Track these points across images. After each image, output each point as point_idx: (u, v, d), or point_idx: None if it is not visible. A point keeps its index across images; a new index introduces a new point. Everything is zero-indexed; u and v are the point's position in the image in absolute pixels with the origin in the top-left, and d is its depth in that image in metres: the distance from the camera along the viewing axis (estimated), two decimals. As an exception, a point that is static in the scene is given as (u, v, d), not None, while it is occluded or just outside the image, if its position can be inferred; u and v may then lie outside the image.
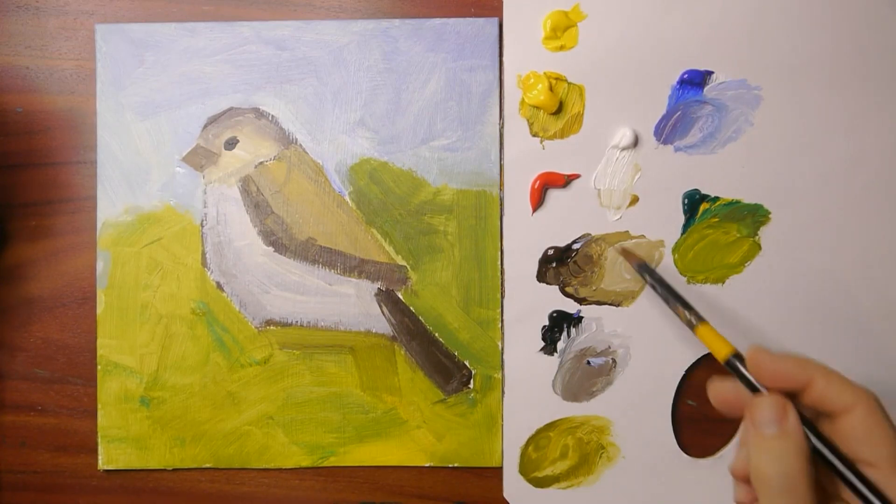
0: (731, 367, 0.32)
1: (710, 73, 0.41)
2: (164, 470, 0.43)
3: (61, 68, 0.43)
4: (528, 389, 0.43)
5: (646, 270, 0.40)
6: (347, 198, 0.43)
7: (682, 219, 0.42)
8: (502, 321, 0.43)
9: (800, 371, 0.29)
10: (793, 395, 0.29)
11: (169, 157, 0.42)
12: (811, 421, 0.29)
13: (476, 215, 0.42)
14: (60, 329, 0.43)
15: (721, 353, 0.33)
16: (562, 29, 0.41)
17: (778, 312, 0.42)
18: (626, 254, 0.42)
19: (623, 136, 0.41)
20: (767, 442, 0.28)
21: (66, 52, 0.43)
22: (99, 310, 0.42)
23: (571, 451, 0.43)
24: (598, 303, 0.43)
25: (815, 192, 0.42)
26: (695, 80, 0.41)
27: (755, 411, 0.29)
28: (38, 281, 0.43)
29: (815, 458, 0.28)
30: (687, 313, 0.36)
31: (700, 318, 0.35)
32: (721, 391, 0.32)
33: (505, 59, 0.42)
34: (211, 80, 0.42)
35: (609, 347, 0.43)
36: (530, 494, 0.43)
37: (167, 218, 0.42)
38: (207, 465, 0.43)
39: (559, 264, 0.42)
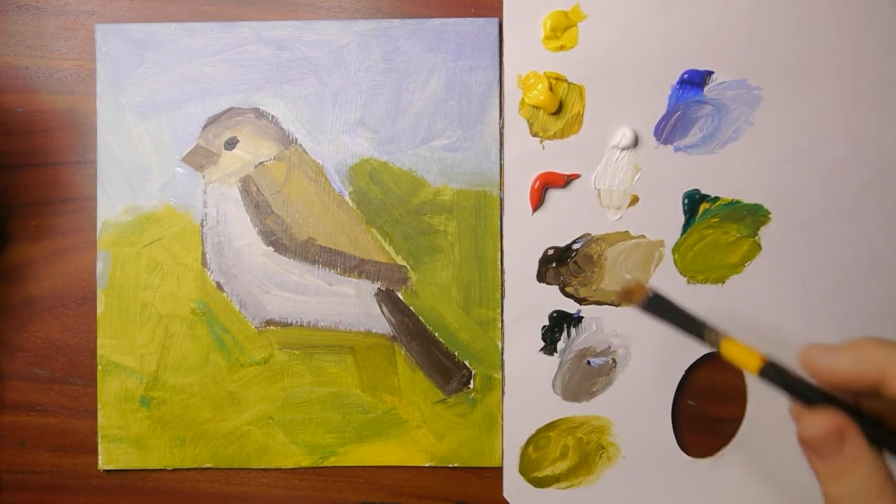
0: (768, 379, 0.29)
1: (710, 73, 0.41)
2: (164, 470, 0.43)
3: (61, 68, 0.43)
4: (528, 389, 0.43)
5: (651, 305, 0.35)
6: (347, 198, 0.43)
7: (682, 219, 0.42)
8: (502, 321, 0.43)
9: (864, 369, 0.25)
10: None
11: (169, 157, 0.42)
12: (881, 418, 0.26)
13: (476, 215, 0.42)
14: (60, 329, 0.43)
15: (752, 366, 0.29)
16: (562, 29, 0.41)
17: (778, 312, 0.42)
18: (628, 294, 0.36)
19: (623, 136, 0.41)
20: (833, 472, 0.26)
21: (66, 52, 0.43)
22: (99, 310, 0.42)
23: (571, 451, 0.43)
24: (598, 303, 0.43)
25: (815, 192, 0.42)
26: (695, 80, 0.41)
27: (807, 439, 0.26)
28: (38, 281, 0.43)
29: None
30: (707, 335, 0.32)
31: (720, 335, 0.32)
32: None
33: (505, 59, 0.42)
34: (211, 80, 0.42)
35: (609, 347, 0.43)
36: (530, 494, 0.43)
37: (167, 218, 0.42)
38: (207, 465, 0.43)
39: (559, 264, 0.42)
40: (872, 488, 0.25)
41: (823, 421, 0.26)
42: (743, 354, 0.30)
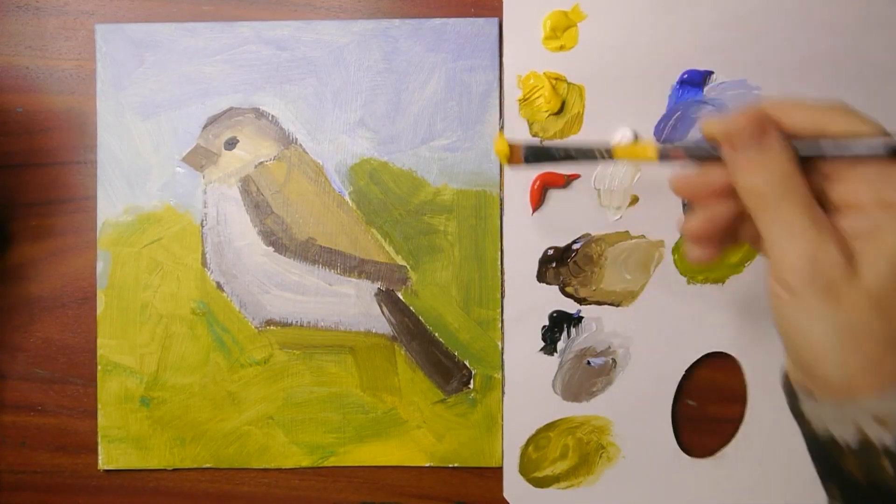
0: (666, 157, 0.30)
1: (710, 73, 0.41)
2: (164, 470, 0.43)
3: (61, 68, 0.43)
4: (528, 389, 0.43)
5: (531, 156, 0.36)
6: (347, 198, 0.43)
7: (682, 219, 0.42)
8: (502, 321, 0.43)
9: (760, 113, 0.27)
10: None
11: (169, 157, 0.42)
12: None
13: (476, 215, 0.42)
14: (60, 329, 0.43)
15: (650, 155, 0.31)
16: (562, 29, 0.41)
17: (778, 312, 0.42)
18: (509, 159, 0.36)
19: (623, 136, 0.41)
20: (752, 161, 0.27)
21: (66, 52, 0.43)
22: (99, 310, 0.42)
23: (571, 451, 0.43)
24: (598, 303, 0.42)
25: (815, 192, 0.42)
26: (695, 80, 0.41)
27: (731, 135, 0.27)
28: (38, 281, 0.43)
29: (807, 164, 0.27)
30: (598, 152, 0.33)
31: (609, 148, 0.33)
32: (682, 178, 0.30)
33: (505, 59, 0.42)
34: (211, 80, 0.42)
35: (609, 347, 0.43)
36: (530, 494, 0.43)
37: (167, 218, 0.42)
38: (207, 465, 0.43)
39: (559, 264, 0.42)
40: (788, 181, 0.26)
41: (746, 115, 0.27)
42: (637, 150, 0.31)
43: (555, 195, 0.42)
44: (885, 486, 0.24)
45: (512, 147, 0.34)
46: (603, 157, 0.32)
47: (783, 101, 0.28)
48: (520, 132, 0.42)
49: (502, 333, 0.43)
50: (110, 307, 0.42)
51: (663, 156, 0.30)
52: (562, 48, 0.41)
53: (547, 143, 0.36)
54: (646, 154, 0.31)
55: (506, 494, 0.43)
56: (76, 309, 0.43)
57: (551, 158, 0.34)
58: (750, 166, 0.27)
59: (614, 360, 0.43)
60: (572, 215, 0.42)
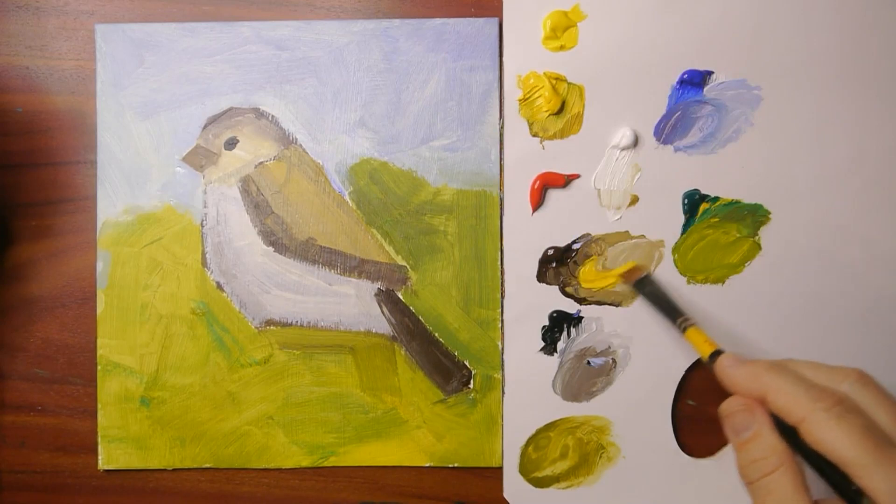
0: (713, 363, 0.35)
1: (710, 73, 0.41)
2: (164, 470, 0.43)
3: (61, 68, 0.43)
4: (528, 389, 0.43)
5: (644, 285, 0.41)
6: (347, 198, 0.43)
7: (682, 219, 0.42)
8: (502, 321, 0.43)
9: (754, 384, 0.31)
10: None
11: (169, 157, 0.42)
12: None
13: (476, 215, 0.42)
14: (60, 329, 0.43)
15: (704, 352, 0.36)
16: (562, 29, 0.41)
17: (778, 312, 0.42)
18: (629, 275, 0.42)
19: (623, 136, 0.41)
20: (745, 443, 0.30)
21: (66, 52, 0.43)
22: (99, 310, 0.42)
23: (571, 451, 0.43)
24: (598, 303, 0.43)
25: (815, 192, 0.42)
26: (695, 80, 0.41)
27: (724, 412, 0.31)
28: (38, 281, 0.43)
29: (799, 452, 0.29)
30: (677, 321, 0.39)
31: (692, 322, 0.38)
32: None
33: (505, 59, 0.42)
34: (211, 80, 0.42)
35: (609, 347, 0.43)
36: (530, 494, 0.43)
37: (167, 218, 0.42)
38: (207, 465, 0.43)
39: (559, 264, 0.42)
40: (772, 458, 0.29)
41: (739, 399, 0.31)
42: (702, 343, 0.37)
43: (555, 195, 0.42)
44: None
45: (638, 267, 0.42)
46: (676, 328, 0.39)
47: (779, 377, 0.30)
48: (520, 132, 0.42)
49: (502, 333, 0.43)
50: (110, 307, 0.42)
51: (712, 358, 0.35)
52: (562, 48, 0.41)
53: (654, 290, 0.41)
54: (703, 350, 0.36)
55: (506, 494, 0.43)
56: (76, 309, 0.43)
57: (647, 294, 0.41)
58: (741, 445, 0.31)
59: (614, 360, 0.43)
60: (572, 215, 0.42)
